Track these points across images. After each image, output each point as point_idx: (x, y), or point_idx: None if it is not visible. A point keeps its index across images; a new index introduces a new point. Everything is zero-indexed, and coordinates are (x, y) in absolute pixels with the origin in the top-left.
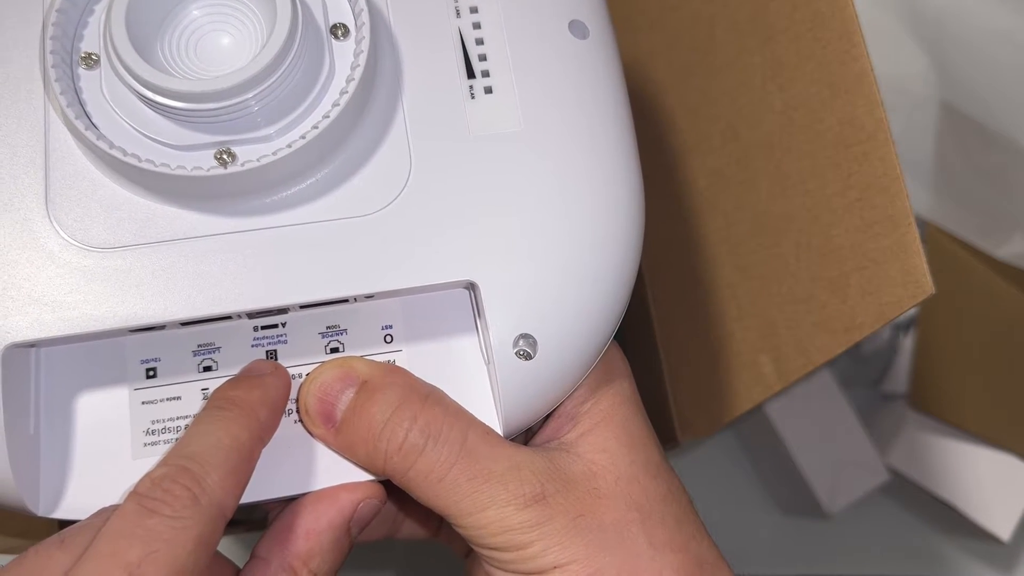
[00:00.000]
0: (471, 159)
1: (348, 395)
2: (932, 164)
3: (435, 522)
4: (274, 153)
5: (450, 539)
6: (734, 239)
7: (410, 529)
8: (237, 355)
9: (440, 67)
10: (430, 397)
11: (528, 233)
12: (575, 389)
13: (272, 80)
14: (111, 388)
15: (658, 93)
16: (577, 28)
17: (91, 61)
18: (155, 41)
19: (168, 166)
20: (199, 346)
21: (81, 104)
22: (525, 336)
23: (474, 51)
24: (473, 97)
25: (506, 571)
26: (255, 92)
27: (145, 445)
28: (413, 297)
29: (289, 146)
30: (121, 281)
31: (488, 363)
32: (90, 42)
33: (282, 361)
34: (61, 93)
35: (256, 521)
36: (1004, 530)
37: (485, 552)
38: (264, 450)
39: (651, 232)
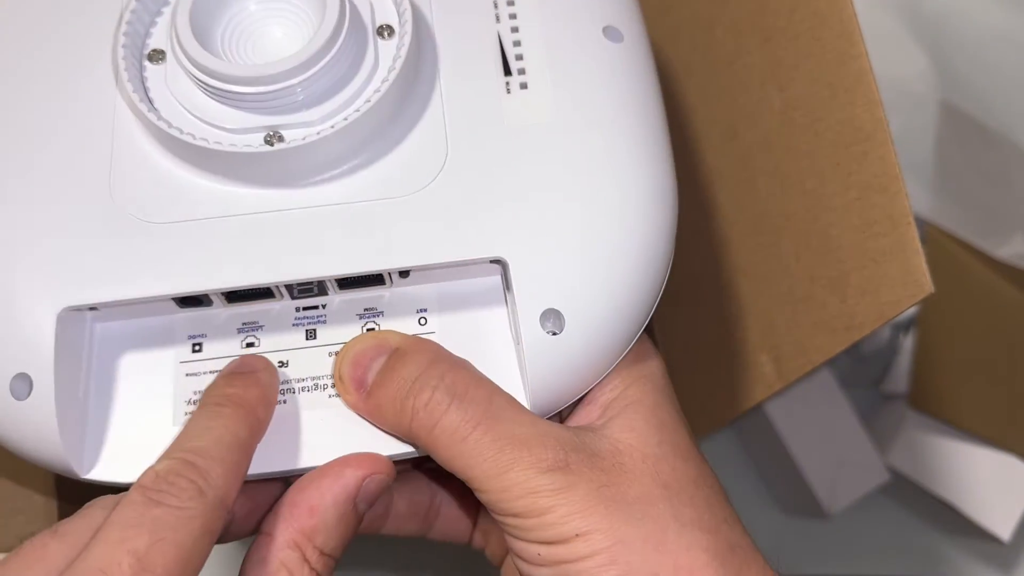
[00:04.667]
0: (505, 146)
1: (380, 361)
2: (932, 164)
3: (470, 517)
4: (317, 133)
5: (486, 541)
6: (734, 238)
7: (442, 528)
8: (279, 333)
9: (478, 64)
10: (459, 362)
11: (560, 215)
12: (604, 376)
13: (316, 70)
14: (158, 360)
15: None
16: (611, 33)
17: (158, 56)
18: (216, 34)
19: (220, 144)
20: (244, 324)
21: (146, 92)
22: (553, 311)
23: (511, 51)
24: (509, 92)
25: (528, 541)
26: (300, 79)
27: (186, 414)
28: (448, 283)
29: (332, 127)
30: (172, 252)
31: (517, 344)
32: (158, 39)
33: (320, 339)
34: (129, 80)
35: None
36: (1004, 530)
37: (507, 520)
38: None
39: None
